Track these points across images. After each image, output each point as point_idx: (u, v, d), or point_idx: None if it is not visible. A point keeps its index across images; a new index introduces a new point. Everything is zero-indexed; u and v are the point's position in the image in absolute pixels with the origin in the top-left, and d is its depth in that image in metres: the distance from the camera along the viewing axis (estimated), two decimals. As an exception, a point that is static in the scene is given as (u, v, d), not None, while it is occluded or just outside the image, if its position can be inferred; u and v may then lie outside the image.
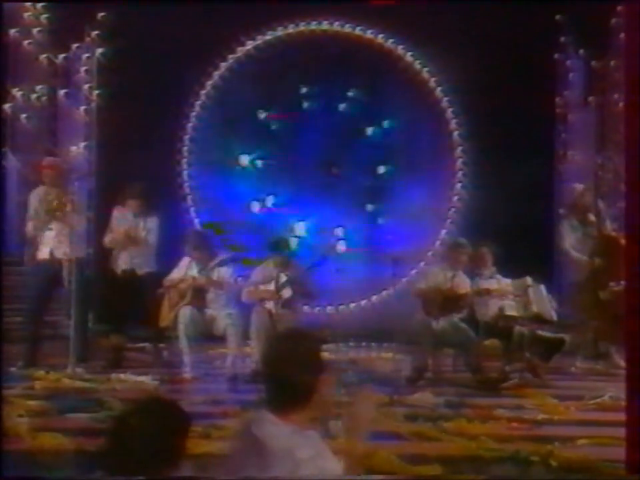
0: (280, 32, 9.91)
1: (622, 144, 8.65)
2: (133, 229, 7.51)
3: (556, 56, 9.55)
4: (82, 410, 5.31)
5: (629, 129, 3.01)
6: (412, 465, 4.13)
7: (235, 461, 2.49)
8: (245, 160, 9.89)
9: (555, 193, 9.30)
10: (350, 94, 9.87)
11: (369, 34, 9.95)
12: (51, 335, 7.65)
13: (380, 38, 9.95)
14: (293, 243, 9.12)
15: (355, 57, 9.70)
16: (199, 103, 9.87)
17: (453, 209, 9.89)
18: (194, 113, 9.88)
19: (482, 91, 9.00)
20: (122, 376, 6.68)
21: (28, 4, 8.96)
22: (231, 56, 9.86)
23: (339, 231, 9.83)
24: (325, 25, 9.96)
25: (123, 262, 7.55)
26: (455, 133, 9.96)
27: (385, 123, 9.91)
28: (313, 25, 9.96)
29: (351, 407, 2.63)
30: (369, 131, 9.93)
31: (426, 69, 9.96)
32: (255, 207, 9.83)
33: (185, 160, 9.89)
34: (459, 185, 9.92)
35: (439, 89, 9.96)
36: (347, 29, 9.95)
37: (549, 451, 4.42)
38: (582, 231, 7.61)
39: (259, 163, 9.90)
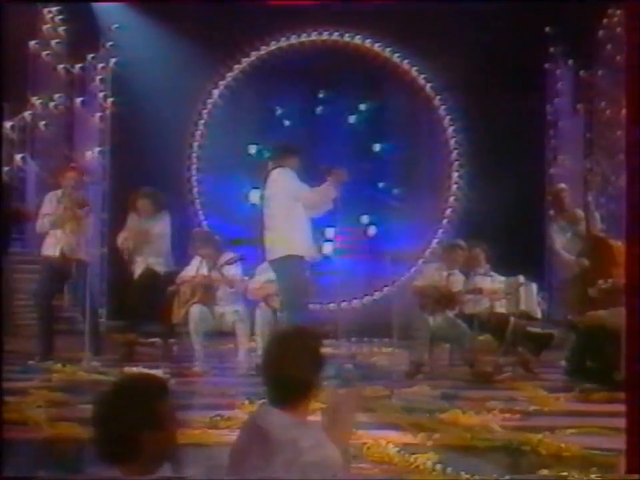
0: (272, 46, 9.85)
1: (609, 149, 8.67)
2: (144, 230, 7.38)
3: (546, 66, 9.58)
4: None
5: (629, 131, 2.97)
6: (409, 454, 4.12)
7: (241, 450, 2.50)
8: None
9: (546, 195, 9.30)
10: (321, 95, 9.84)
11: (367, 42, 9.94)
12: (67, 331, 7.66)
13: (374, 47, 9.96)
14: (326, 247, 9.07)
15: (323, 63, 9.62)
16: (210, 102, 9.87)
17: (449, 211, 9.90)
18: (205, 114, 9.89)
19: (478, 99, 9.08)
20: (134, 369, 6.68)
21: (47, 17, 8.99)
22: (236, 66, 9.87)
23: (365, 219, 9.83)
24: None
25: (139, 261, 7.42)
26: (452, 140, 9.97)
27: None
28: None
29: (335, 401, 2.63)
30: (351, 118, 9.95)
31: (423, 78, 9.97)
32: None
33: (195, 159, 9.91)
34: (454, 188, 9.94)
35: (437, 98, 9.97)
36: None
37: (539, 440, 4.41)
38: (571, 231, 7.60)
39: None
